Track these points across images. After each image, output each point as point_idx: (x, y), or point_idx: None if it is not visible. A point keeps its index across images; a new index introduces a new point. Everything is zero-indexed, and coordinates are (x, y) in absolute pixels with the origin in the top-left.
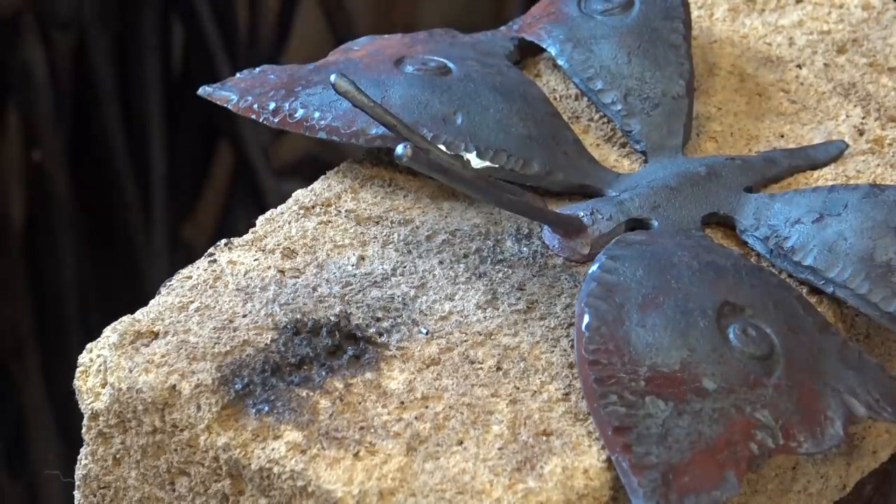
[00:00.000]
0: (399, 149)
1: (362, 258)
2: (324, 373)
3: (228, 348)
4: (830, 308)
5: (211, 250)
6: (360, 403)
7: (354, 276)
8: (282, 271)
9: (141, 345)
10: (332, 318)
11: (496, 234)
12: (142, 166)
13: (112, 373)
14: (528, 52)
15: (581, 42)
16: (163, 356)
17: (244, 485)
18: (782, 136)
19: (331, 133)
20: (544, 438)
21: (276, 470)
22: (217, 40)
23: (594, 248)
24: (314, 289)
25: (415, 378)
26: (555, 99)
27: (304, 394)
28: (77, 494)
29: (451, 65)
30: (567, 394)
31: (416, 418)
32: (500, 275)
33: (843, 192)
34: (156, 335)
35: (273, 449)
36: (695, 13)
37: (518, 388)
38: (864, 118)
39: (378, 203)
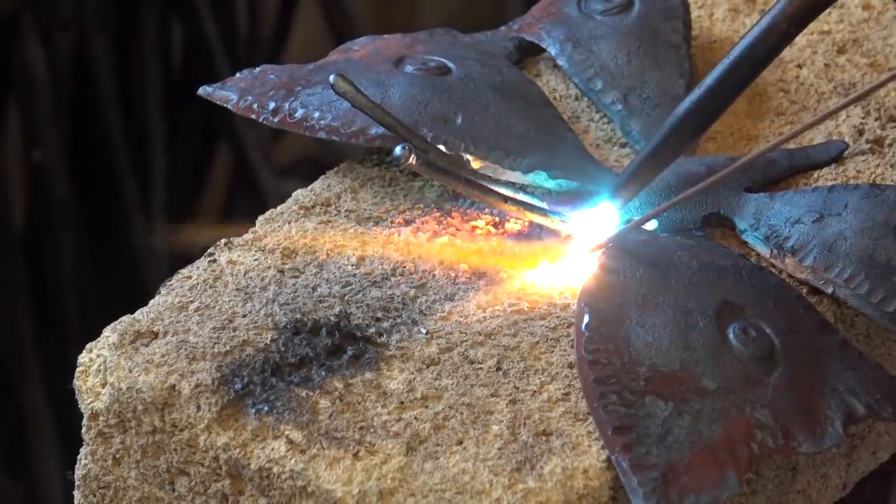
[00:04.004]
0: (397, 150)
1: (362, 258)
2: (324, 373)
3: (228, 348)
4: (830, 308)
5: (211, 250)
6: (359, 403)
7: (354, 276)
8: (282, 271)
9: (141, 345)
10: (332, 318)
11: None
12: (142, 166)
13: (112, 373)
14: (528, 52)
15: (581, 42)
16: (163, 356)
17: (244, 485)
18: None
19: (331, 133)
20: (544, 438)
21: (275, 470)
22: (217, 40)
23: (594, 248)
24: (314, 289)
25: (414, 378)
26: (555, 99)
27: (303, 394)
28: (77, 494)
29: (451, 65)
30: (567, 394)
31: (415, 418)
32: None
33: (843, 192)
34: (155, 335)
35: (273, 449)
36: (695, 13)
37: (518, 388)
38: (864, 118)
39: (378, 203)
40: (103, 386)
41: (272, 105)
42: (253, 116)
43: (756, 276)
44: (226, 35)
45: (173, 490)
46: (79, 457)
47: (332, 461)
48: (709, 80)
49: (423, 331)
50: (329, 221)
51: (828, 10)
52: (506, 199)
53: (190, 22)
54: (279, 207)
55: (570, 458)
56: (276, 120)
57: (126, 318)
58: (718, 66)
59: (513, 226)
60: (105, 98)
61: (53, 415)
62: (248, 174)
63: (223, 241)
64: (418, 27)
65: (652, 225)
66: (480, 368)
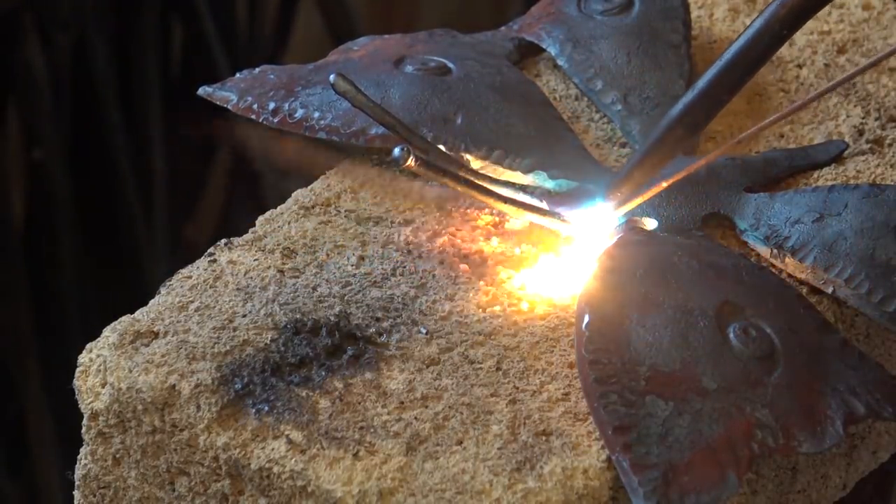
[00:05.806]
0: (396, 151)
1: (362, 258)
2: (323, 373)
3: (228, 348)
4: (830, 308)
5: (211, 250)
6: (359, 403)
7: (354, 276)
8: (282, 271)
9: (141, 345)
10: (332, 318)
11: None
12: (142, 166)
13: (112, 373)
14: (528, 52)
15: (581, 42)
16: (163, 356)
17: (244, 485)
18: (782, 136)
19: (331, 133)
20: (544, 438)
21: (275, 470)
22: (217, 40)
23: (594, 249)
24: (314, 289)
25: (414, 378)
26: (555, 99)
27: (303, 394)
28: (77, 494)
29: (451, 65)
30: (567, 394)
31: (415, 418)
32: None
33: (843, 192)
34: (156, 335)
35: (273, 449)
36: (695, 13)
37: (518, 388)
38: (864, 118)
39: (378, 203)
40: (103, 386)
41: (272, 105)
42: (253, 116)
43: (756, 276)
44: (226, 35)
45: (173, 490)
46: (79, 457)
47: (332, 461)
48: (701, 82)
49: (423, 331)
50: (329, 221)
51: (827, 10)
52: (506, 199)
53: (190, 22)
54: (279, 207)
55: (570, 458)
56: (276, 120)
57: (126, 318)
58: (711, 67)
59: (513, 226)
60: (105, 98)
61: (53, 415)
62: (248, 174)
63: (223, 241)
64: (418, 27)
65: (652, 225)
66: (480, 368)
